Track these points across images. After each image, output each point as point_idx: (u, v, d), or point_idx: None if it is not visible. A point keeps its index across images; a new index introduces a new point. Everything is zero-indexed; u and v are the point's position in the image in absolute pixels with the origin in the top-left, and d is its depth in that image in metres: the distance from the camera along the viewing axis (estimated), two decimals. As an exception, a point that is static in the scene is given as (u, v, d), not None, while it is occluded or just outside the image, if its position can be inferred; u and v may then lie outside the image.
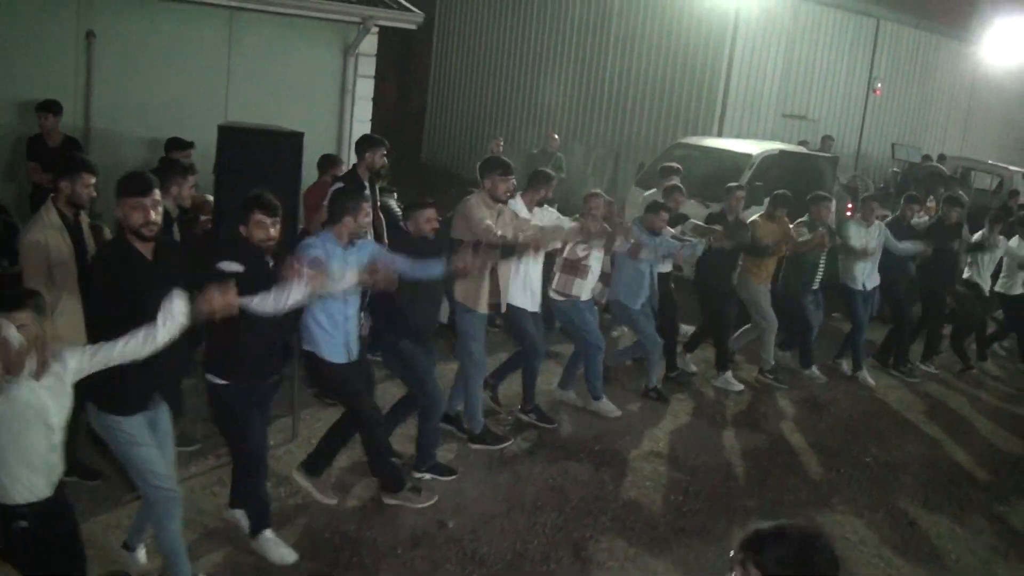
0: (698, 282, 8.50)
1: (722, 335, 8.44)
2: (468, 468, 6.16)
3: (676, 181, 8.78)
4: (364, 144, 6.74)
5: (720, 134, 14.48)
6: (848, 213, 13.53)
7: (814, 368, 8.94)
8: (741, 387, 8.35)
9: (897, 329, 9.52)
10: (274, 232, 4.39)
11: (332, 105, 9.34)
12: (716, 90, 14.59)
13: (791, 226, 8.48)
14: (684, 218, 8.25)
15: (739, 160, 11.42)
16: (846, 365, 9.28)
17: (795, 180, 10.11)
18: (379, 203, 7.27)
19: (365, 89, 9.52)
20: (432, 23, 20.80)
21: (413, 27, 9.89)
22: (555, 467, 6.34)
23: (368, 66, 9.57)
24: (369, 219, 5.40)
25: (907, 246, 8.97)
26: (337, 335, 5.05)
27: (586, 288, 7.04)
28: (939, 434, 8.03)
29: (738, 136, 14.37)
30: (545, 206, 6.73)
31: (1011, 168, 16.78)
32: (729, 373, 8.40)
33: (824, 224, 8.48)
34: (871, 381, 9.02)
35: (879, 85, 16.92)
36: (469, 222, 5.90)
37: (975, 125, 20.15)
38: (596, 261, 7.03)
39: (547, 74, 17.62)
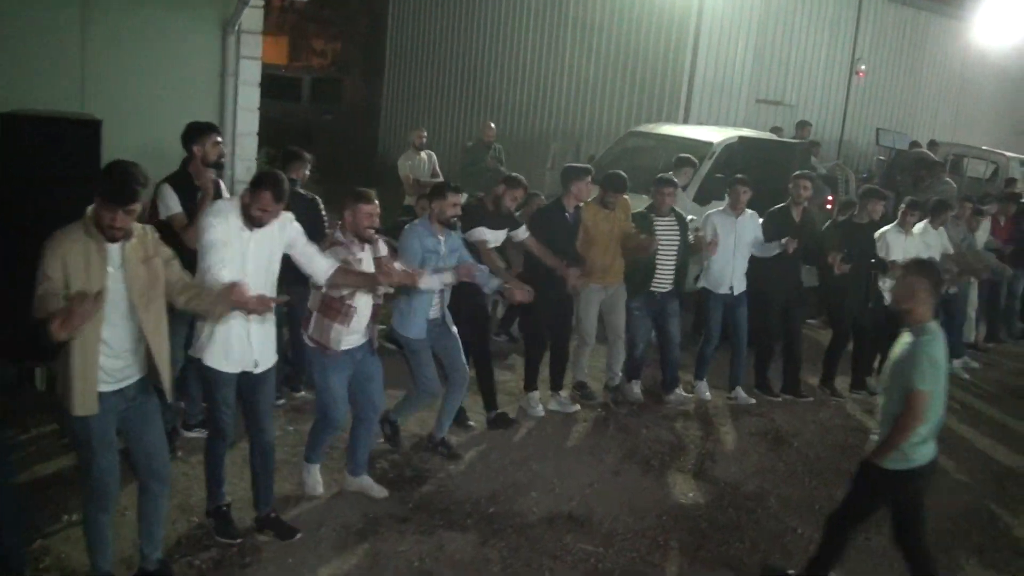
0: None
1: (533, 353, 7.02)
2: (315, 543, 4.81)
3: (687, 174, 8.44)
4: (190, 134, 5.36)
5: (687, 121, 13.12)
6: (828, 206, 12.27)
7: (634, 385, 7.46)
8: (541, 412, 6.93)
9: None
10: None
11: (210, 91, 7.95)
12: (680, 75, 13.21)
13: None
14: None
15: (699, 149, 10.06)
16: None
17: (759, 169, 8.75)
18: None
19: (251, 73, 8.12)
20: (386, 12, 19.54)
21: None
22: (430, 541, 4.98)
23: (253, 46, 8.18)
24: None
25: (769, 246, 7.40)
26: None
27: (348, 338, 5.01)
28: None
29: (707, 123, 13.02)
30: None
31: (1007, 154, 15.45)
32: (535, 395, 7.00)
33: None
34: (706, 395, 7.62)
35: (863, 67, 15.54)
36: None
37: (967, 109, 18.75)
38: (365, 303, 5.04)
39: (504, 63, 16.28)
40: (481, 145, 11.08)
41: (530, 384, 6.96)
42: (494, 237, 6.49)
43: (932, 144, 15.08)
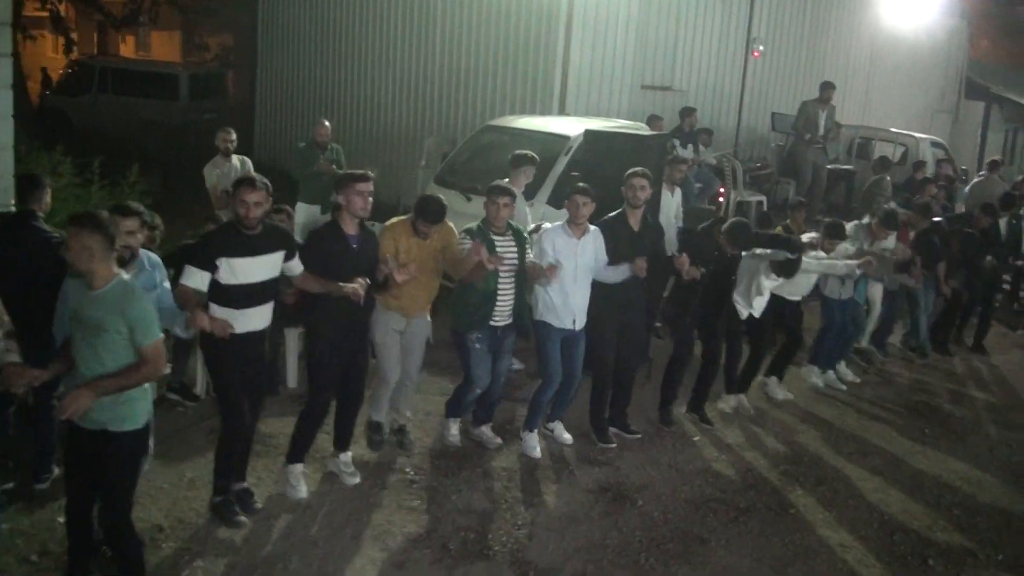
0: None
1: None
2: None
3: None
4: None
5: (563, 112, 11.86)
6: (720, 199, 11.15)
7: (484, 428, 6.36)
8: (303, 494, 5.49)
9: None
10: None
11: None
12: (553, 62, 11.93)
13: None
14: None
15: (554, 143, 8.81)
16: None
17: (616, 165, 7.43)
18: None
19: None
20: (255, 7, 18.03)
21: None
22: None
23: (3, 41, 6.63)
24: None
25: (616, 270, 6.13)
26: None
27: None
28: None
29: (586, 114, 11.77)
30: None
31: (916, 136, 14.48)
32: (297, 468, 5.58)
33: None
34: (565, 437, 6.45)
35: (760, 47, 14.38)
36: None
37: (878, 90, 17.74)
38: None
39: (373, 55, 14.90)
40: (314, 146, 9.66)
41: (295, 454, 5.53)
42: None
43: (836, 127, 14.00)
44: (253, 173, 5.48)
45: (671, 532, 5.36)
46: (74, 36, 23.72)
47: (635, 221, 6.28)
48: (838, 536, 5.50)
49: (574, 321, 6.03)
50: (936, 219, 9.10)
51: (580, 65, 12.07)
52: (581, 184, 6.18)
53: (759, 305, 7.05)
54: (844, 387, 8.12)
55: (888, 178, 11.76)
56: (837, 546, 5.39)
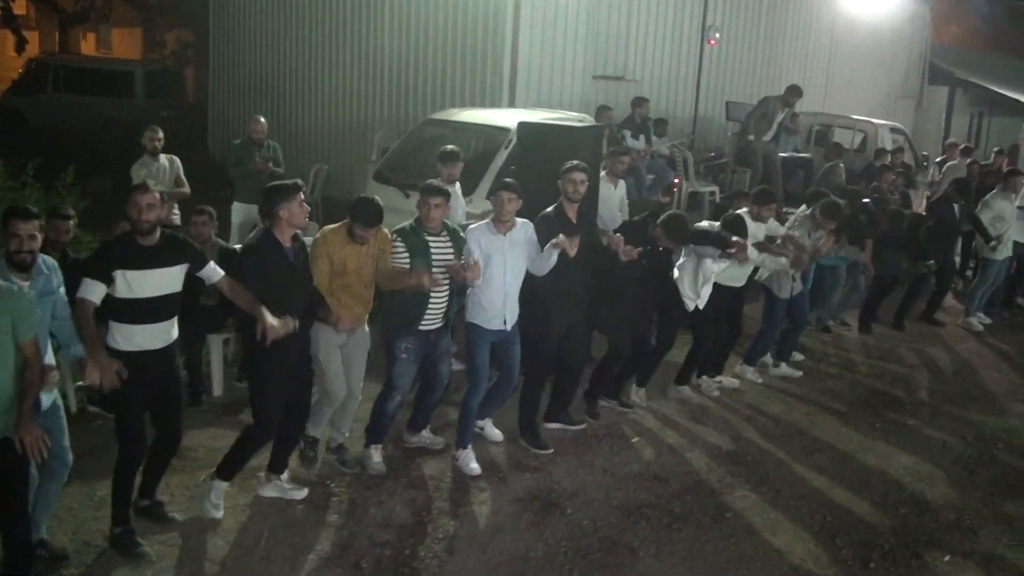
0: None
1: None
2: None
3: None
4: None
5: (513, 104, 11.58)
6: (676, 189, 10.90)
7: (423, 432, 6.12)
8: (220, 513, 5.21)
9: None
10: None
11: None
12: (501, 52, 11.66)
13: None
14: None
15: (495, 136, 8.55)
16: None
17: (549, 158, 7.14)
18: None
19: None
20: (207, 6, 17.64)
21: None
22: None
23: None
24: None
25: (543, 255, 5.80)
26: None
27: None
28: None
29: (537, 105, 11.50)
30: None
31: (875, 122, 14.29)
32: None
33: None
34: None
35: (716, 35, 14.13)
36: None
37: (839, 77, 17.53)
38: None
39: (324, 49, 14.59)
40: (249, 143, 9.30)
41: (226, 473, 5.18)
42: None
43: (793, 116, 13.77)
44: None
45: (599, 541, 5.10)
46: (27, 35, 23.30)
47: (573, 214, 6.04)
48: (777, 541, 5.25)
49: (504, 321, 5.74)
50: (864, 200, 9.06)
51: (530, 55, 11.79)
52: (507, 180, 5.88)
53: (706, 293, 6.84)
54: (799, 373, 8.05)
55: (841, 165, 11.55)
56: (774, 552, 5.15)
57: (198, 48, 22.71)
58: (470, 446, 5.89)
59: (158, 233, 4.54)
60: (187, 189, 8.72)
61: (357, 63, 13.96)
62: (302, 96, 15.22)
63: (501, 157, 8.25)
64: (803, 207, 8.16)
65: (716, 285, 6.89)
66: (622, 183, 8.53)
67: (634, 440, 6.47)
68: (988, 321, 10.21)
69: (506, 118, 8.92)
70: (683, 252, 6.74)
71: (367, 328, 5.63)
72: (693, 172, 11.01)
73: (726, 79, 14.74)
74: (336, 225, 5.37)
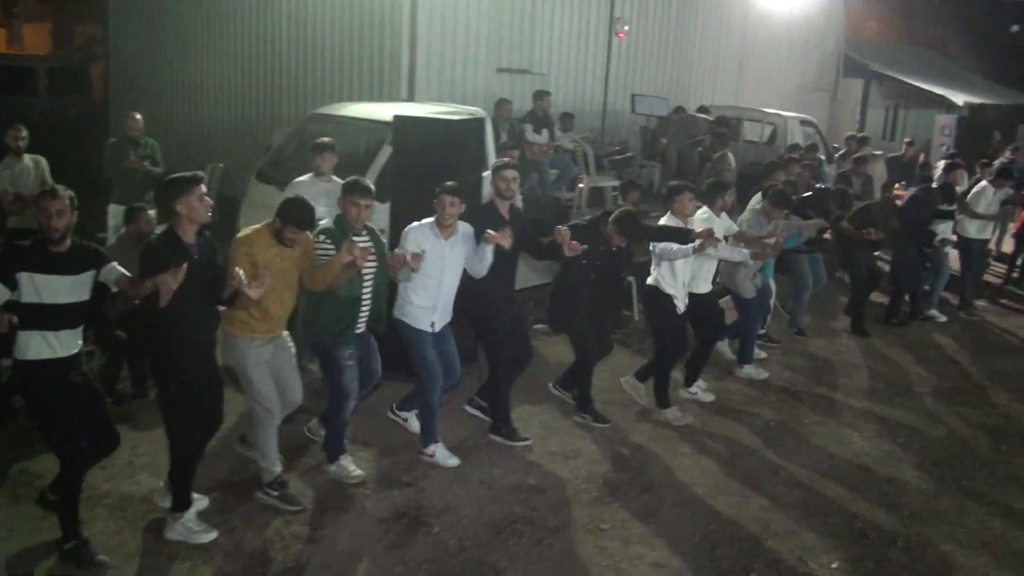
0: None
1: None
2: None
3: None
4: None
5: (412, 98, 11.17)
6: (580, 184, 10.63)
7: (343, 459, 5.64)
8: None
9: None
10: None
11: None
12: (399, 46, 11.22)
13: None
14: None
15: (378, 132, 8.14)
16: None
17: (425, 152, 6.76)
18: None
19: None
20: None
21: None
22: None
23: None
24: None
25: (479, 251, 5.82)
26: None
27: None
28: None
29: (438, 99, 11.10)
30: None
31: (784, 114, 14.19)
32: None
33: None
34: (449, 462, 5.85)
35: (625, 27, 13.90)
36: None
37: (751, 70, 17.45)
38: None
39: (222, 43, 14.00)
40: (125, 141, 8.77)
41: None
42: None
43: (703, 109, 13.63)
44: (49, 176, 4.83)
45: (464, 562, 4.74)
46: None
47: (504, 210, 6.00)
48: (653, 554, 4.95)
49: (432, 324, 5.69)
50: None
51: (429, 48, 11.38)
52: (449, 183, 5.61)
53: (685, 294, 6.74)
54: (767, 374, 7.95)
55: (730, 154, 11.40)
56: (650, 566, 4.84)
57: (107, 43, 21.89)
58: (440, 442, 5.84)
59: (69, 241, 4.34)
60: None
61: (256, 59, 13.41)
62: (202, 93, 14.60)
63: (385, 153, 7.82)
64: (754, 200, 7.94)
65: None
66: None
67: (516, 448, 6.11)
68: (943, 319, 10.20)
69: (392, 112, 8.49)
70: (652, 259, 6.67)
71: (287, 334, 5.25)
72: (594, 167, 10.72)
73: (636, 72, 14.52)
74: (259, 226, 5.02)
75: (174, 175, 4.68)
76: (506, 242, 5.50)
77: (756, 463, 6.22)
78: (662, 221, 6.67)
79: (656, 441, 6.42)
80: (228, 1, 13.78)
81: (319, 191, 6.36)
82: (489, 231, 5.51)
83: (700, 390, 7.30)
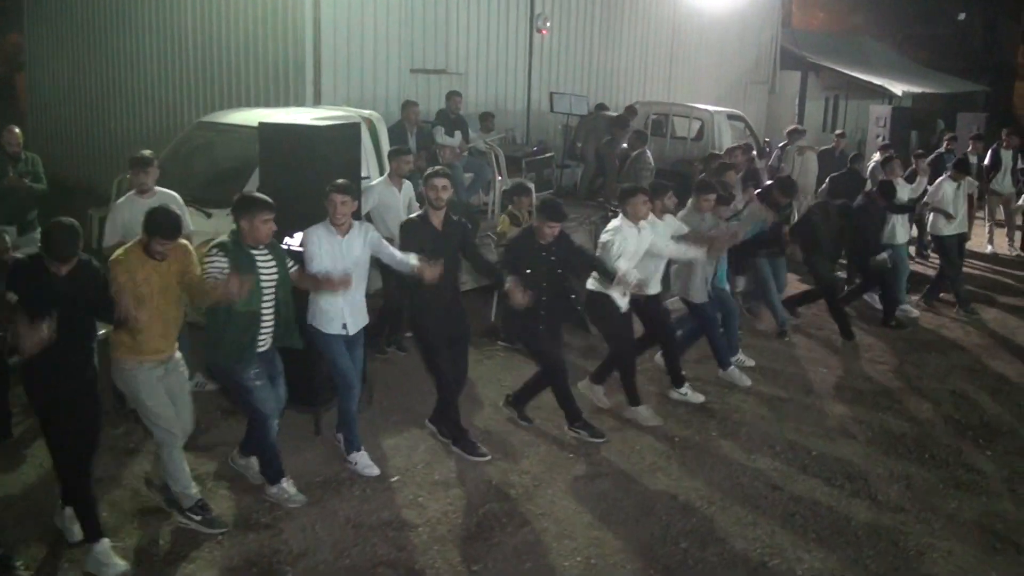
0: None
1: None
2: None
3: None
4: None
5: (318, 103, 10.71)
6: (499, 179, 10.25)
7: (283, 482, 5.33)
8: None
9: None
10: None
11: None
12: (303, 48, 10.77)
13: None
14: None
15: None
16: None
17: (292, 160, 6.30)
18: None
19: None
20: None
21: None
22: None
23: None
24: None
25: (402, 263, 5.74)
26: None
27: None
28: None
29: (347, 103, 10.66)
30: None
31: (711, 109, 13.88)
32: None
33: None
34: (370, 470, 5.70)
35: (547, 24, 13.53)
36: None
37: (682, 65, 17.18)
38: None
39: (132, 58, 13.47)
40: (3, 158, 8.21)
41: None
42: None
43: (630, 109, 13.26)
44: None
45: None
46: None
47: (438, 221, 5.88)
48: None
49: (344, 326, 5.58)
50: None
51: (335, 49, 10.95)
52: (339, 181, 5.51)
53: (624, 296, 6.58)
54: (749, 382, 7.65)
55: (648, 152, 11.09)
56: None
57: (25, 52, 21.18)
58: (362, 448, 5.78)
59: None
60: None
61: (162, 68, 12.90)
62: (111, 104, 14.04)
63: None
64: (689, 202, 7.59)
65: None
66: (408, 185, 7.80)
67: (394, 480, 5.69)
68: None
69: (279, 119, 8.03)
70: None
71: (179, 353, 5.00)
72: (505, 168, 10.33)
73: (560, 69, 14.17)
74: (128, 245, 4.83)
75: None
76: (429, 276, 5.45)
77: (651, 486, 5.83)
78: (614, 223, 6.56)
79: (550, 465, 6.02)
80: (137, 8, 13.23)
81: (142, 210, 5.63)
82: (415, 263, 5.45)
83: (690, 390, 7.25)
